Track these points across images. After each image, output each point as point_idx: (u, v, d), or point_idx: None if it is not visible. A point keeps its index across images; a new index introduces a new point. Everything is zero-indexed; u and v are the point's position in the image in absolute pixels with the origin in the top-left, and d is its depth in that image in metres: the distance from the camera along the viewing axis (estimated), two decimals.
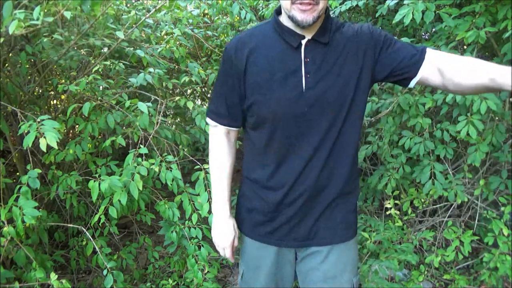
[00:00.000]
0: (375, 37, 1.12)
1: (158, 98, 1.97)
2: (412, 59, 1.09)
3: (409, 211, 2.28)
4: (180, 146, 2.02)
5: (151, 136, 1.80)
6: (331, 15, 1.16)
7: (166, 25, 2.25)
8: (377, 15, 2.16)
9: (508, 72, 0.91)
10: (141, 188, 1.62)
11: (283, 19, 1.12)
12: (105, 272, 1.64)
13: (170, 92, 2.59)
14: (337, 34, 1.13)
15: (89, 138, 1.87)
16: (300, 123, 1.12)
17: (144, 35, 2.23)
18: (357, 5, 2.20)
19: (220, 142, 1.30)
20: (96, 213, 1.68)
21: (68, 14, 1.24)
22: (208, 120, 1.31)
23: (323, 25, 1.10)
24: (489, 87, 0.97)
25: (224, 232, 1.28)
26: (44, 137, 1.30)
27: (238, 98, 1.18)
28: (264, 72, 1.11)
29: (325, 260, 1.23)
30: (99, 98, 1.84)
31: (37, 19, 1.21)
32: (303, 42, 1.10)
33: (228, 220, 1.30)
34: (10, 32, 1.20)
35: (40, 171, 1.51)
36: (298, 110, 1.11)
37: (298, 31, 1.09)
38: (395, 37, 1.16)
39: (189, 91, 2.90)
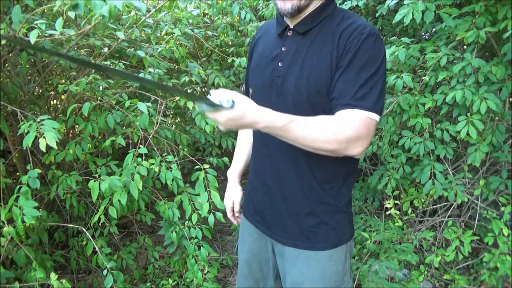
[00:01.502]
0: (356, 46, 0.99)
1: (158, 98, 1.97)
2: (337, 98, 1.00)
3: (409, 211, 2.28)
4: (180, 146, 2.02)
5: (151, 136, 1.79)
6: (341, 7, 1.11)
7: (166, 25, 2.25)
8: (377, 15, 2.16)
9: None
10: (141, 188, 1.62)
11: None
12: (105, 272, 1.64)
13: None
14: (328, 25, 1.06)
15: (89, 138, 1.87)
16: (269, 107, 1.06)
17: (144, 35, 2.23)
18: (357, 5, 2.21)
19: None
20: (96, 213, 1.68)
21: (72, 15, 1.24)
22: None
23: (310, 14, 1.07)
24: None
25: (227, 196, 1.43)
26: (44, 137, 1.30)
27: None
28: (258, 58, 1.19)
29: (292, 265, 1.19)
30: (99, 98, 1.84)
31: (59, 32, 1.24)
32: (288, 31, 1.11)
33: (234, 186, 1.41)
34: (32, 42, 1.23)
35: (40, 171, 1.51)
36: (267, 98, 1.11)
37: (286, 20, 1.11)
38: (364, 65, 1.00)
39: (189, 91, 2.90)
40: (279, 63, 1.10)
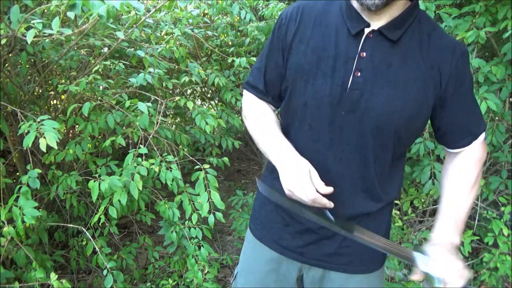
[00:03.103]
0: (459, 69, 0.88)
1: (158, 98, 1.97)
2: (462, 132, 0.94)
3: (409, 211, 2.27)
4: (180, 146, 2.02)
5: (151, 136, 1.79)
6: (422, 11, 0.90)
7: (166, 25, 2.25)
8: None
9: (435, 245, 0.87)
10: (141, 188, 1.62)
11: None
12: (105, 272, 1.63)
13: (170, 92, 2.59)
14: (416, 34, 0.87)
15: (89, 138, 1.87)
16: (332, 130, 0.90)
17: (144, 35, 2.23)
18: None
19: (262, 104, 1.07)
20: (96, 213, 1.68)
21: (71, 15, 1.24)
22: (244, 92, 1.11)
23: (401, 15, 0.85)
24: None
25: (299, 164, 0.88)
26: (44, 137, 1.30)
27: (279, 77, 0.99)
28: (313, 54, 0.90)
29: None
30: (99, 98, 1.84)
31: (56, 31, 1.23)
32: (366, 31, 0.87)
33: (300, 158, 0.91)
34: (29, 41, 1.22)
35: (40, 171, 1.51)
36: (332, 111, 0.89)
37: (364, 16, 0.86)
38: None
39: (189, 91, 2.90)
40: (356, 72, 0.87)
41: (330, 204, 0.85)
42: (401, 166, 1.03)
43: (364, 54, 0.87)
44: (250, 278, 1.12)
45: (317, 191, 0.84)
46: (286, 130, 1.00)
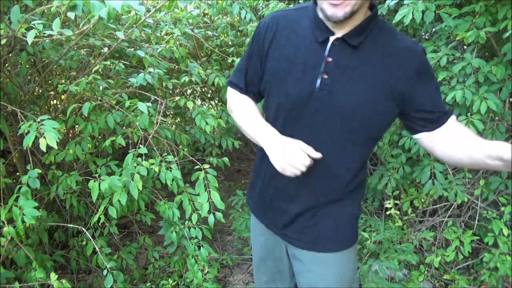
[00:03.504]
0: (420, 66, 0.99)
1: (158, 98, 1.97)
2: (435, 114, 1.02)
3: (409, 211, 2.28)
4: (180, 146, 2.02)
5: (151, 136, 1.79)
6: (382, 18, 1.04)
7: (166, 25, 2.25)
8: None
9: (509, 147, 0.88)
10: (141, 188, 1.62)
11: (319, 9, 0.99)
12: (105, 272, 1.63)
13: (170, 92, 2.59)
14: (377, 40, 0.99)
15: (89, 138, 1.87)
16: (304, 125, 1.04)
17: (144, 35, 2.23)
18: None
19: (241, 95, 1.22)
20: (96, 213, 1.68)
21: (72, 15, 1.24)
22: (228, 88, 1.26)
23: (361, 24, 0.97)
24: (491, 165, 0.92)
25: (288, 142, 1.00)
26: (44, 137, 1.30)
27: (257, 78, 1.14)
28: (285, 61, 1.04)
29: (308, 269, 1.18)
30: (99, 98, 1.84)
31: (56, 32, 1.24)
32: (331, 39, 0.99)
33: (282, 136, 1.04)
34: (29, 42, 1.23)
35: (40, 171, 1.51)
36: (301, 111, 1.02)
37: (329, 25, 0.99)
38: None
39: (189, 91, 2.90)
40: (324, 75, 0.99)
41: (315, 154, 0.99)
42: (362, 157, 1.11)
43: (330, 59, 0.99)
44: (255, 247, 1.34)
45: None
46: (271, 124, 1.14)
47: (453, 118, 1.04)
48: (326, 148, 1.02)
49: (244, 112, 1.17)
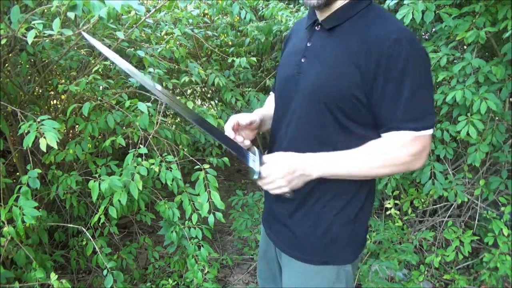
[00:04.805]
0: (390, 58, 0.89)
1: (158, 98, 1.96)
2: (385, 119, 0.95)
3: (409, 211, 2.28)
4: (180, 146, 2.02)
5: (151, 136, 1.79)
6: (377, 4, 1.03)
7: (166, 25, 2.25)
8: None
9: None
10: (141, 188, 1.62)
11: None
12: (105, 272, 1.63)
13: (170, 92, 2.59)
14: (356, 25, 0.97)
15: (89, 138, 1.87)
16: (292, 111, 1.07)
17: (144, 35, 2.23)
18: None
19: (272, 95, 1.35)
20: (96, 213, 1.68)
21: (72, 15, 1.24)
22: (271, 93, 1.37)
23: (339, 10, 0.99)
24: None
25: (240, 115, 1.14)
26: (44, 137, 1.30)
27: None
28: (288, 52, 1.15)
29: (284, 271, 1.18)
30: (99, 98, 1.84)
31: (56, 32, 1.24)
32: (316, 25, 1.05)
33: (250, 114, 1.16)
34: (29, 42, 1.23)
35: (40, 171, 1.51)
36: (287, 94, 1.08)
37: (317, 13, 1.04)
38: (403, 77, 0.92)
39: (189, 91, 2.90)
40: (302, 59, 1.04)
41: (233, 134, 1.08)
42: (352, 140, 1.01)
43: (309, 43, 1.05)
44: (259, 251, 1.38)
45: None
46: None
47: (403, 134, 0.93)
48: (302, 134, 1.05)
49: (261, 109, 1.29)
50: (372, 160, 0.96)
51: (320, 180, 1.01)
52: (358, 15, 0.98)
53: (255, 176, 0.99)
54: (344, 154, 0.98)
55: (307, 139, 1.04)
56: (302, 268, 1.09)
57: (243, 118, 1.11)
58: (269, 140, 1.22)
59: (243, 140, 1.09)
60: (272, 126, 1.20)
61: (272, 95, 1.35)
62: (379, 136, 0.99)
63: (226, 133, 1.08)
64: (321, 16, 1.02)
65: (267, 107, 1.29)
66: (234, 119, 1.11)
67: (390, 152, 0.95)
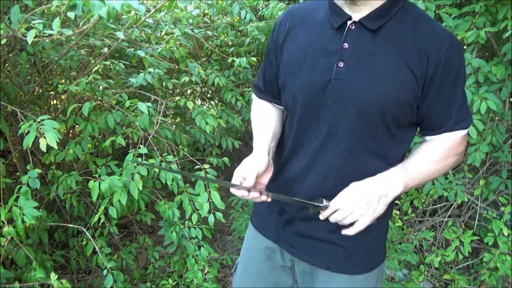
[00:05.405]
0: (447, 58, 0.88)
1: (158, 98, 1.97)
2: (439, 122, 0.95)
3: (409, 211, 2.28)
4: (180, 146, 2.02)
5: (151, 136, 1.79)
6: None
7: (166, 25, 2.25)
8: None
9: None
10: (141, 188, 1.62)
11: None
12: (105, 272, 1.63)
13: (170, 92, 2.59)
14: (400, 24, 0.89)
15: (89, 138, 1.87)
16: (320, 120, 0.95)
17: (144, 35, 2.23)
18: None
19: (265, 105, 1.15)
20: (96, 213, 1.68)
21: (72, 15, 1.24)
22: (252, 94, 1.22)
23: (382, 6, 0.88)
24: None
25: (249, 163, 0.97)
26: (44, 137, 1.30)
27: (274, 75, 1.07)
28: (300, 50, 0.97)
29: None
30: (99, 98, 1.84)
31: (56, 31, 1.24)
32: (349, 23, 0.91)
33: (262, 155, 0.99)
34: (29, 42, 1.22)
35: (40, 171, 1.51)
36: (318, 102, 0.93)
37: (346, 9, 0.91)
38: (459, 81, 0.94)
39: (189, 91, 2.90)
40: (339, 63, 0.90)
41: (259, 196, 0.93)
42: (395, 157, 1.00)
43: (346, 45, 0.90)
44: (248, 266, 1.18)
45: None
46: (286, 122, 1.09)
47: (456, 134, 0.96)
48: (345, 145, 0.94)
49: (254, 123, 1.14)
50: (436, 163, 0.98)
51: None
52: (399, 13, 0.90)
53: (322, 210, 0.91)
54: (413, 165, 0.97)
55: (355, 151, 0.95)
56: (350, 280, 1.04)
57: (259, 166, 0.95)
58: (280, 159, 1.07)
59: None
60: (287, 141, 1.05)
61: (261, 101, 1.17)
62: (414, 135, 1.01)
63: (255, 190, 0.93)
64: (358, 14, 0.90)
65: (270, 123, 1.10)
66: (253, 172, 0.93)
67: (450, 154, 0.98)
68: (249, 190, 0.92)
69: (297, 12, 1.03)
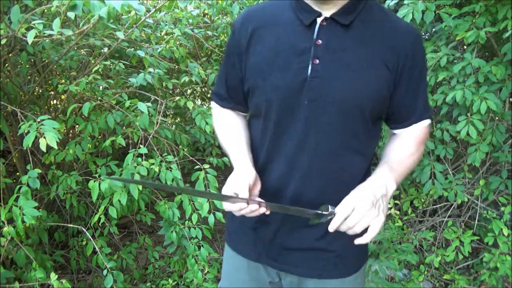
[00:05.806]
0: (414, 51, 0.91)
1: (158, 98, 1.97)
2: (407, 114, 0.98)
3: (409, 211, 2.28)
4: (180, 146, 2.02)
5: (151, 136, 1.80)
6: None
7: (166, 25, 2.25)
8: None
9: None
10: (141, 188, 1.62)
11: None
12: (105, 272, 1.64)
13: (170, 92, 2.59)
14: (368, 19, 0.90)
15: (89, 138, 1.87)
16: (298, 120, 0.92)
17: (144, 35, 2.23)
18: None
19: (228, 114, 1.09)
20: (96, 213, 1.68)
21: (72, 15, 1.24)
22: (212, 103, 1.14)
23: (349, 4, 0.89)
24: None
25: (241, 173, 0.91)
26: (44, 137, 1.30)
27: (238, 80, 1.01)
28: (268, 52, 0.93)
29: None
30: (99, 98, 1.84)
31: (56, 31, 1.24)
32: (319, 20, 0.89)
33: (248, 168, 0.93)
34: (29, 42, 1.22)
35: (40, 171, 1.51)
36: (295, 103, 0.91)
37: (314, 6, 0.90)
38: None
39: (189, 91, 2.90)
40: (315, 60, 0.88)
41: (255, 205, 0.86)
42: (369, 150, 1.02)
43: (320, 41, 0.89)
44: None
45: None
46: (255, 128, 1.04)
47: (423, 124, 1.00)
48: (326, 145, 0.92)
49: (223, 133, 1.08)
50: (413, 156, 1.01)
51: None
52: (364, 9, 0.90)
53: (325, 219, 0.86)
54: (396, 162, 0.98)
55: (337, 149, 0.93)
56: (343, 282, 1.03)
57: (249, 177, 0.89)
58: (256, 168, 0.97)
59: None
60: (260, 147, 1.01)
61: (224, 110, 1.10)
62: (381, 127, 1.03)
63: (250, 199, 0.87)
64: (326, 9, 0.89)
65: (241, 133, 1.04)
66: (245, 183, 0.87)
67: (421, 144, 1.02)
68: (247, 201, 0.84)
69: (258, 13, 0.98)
